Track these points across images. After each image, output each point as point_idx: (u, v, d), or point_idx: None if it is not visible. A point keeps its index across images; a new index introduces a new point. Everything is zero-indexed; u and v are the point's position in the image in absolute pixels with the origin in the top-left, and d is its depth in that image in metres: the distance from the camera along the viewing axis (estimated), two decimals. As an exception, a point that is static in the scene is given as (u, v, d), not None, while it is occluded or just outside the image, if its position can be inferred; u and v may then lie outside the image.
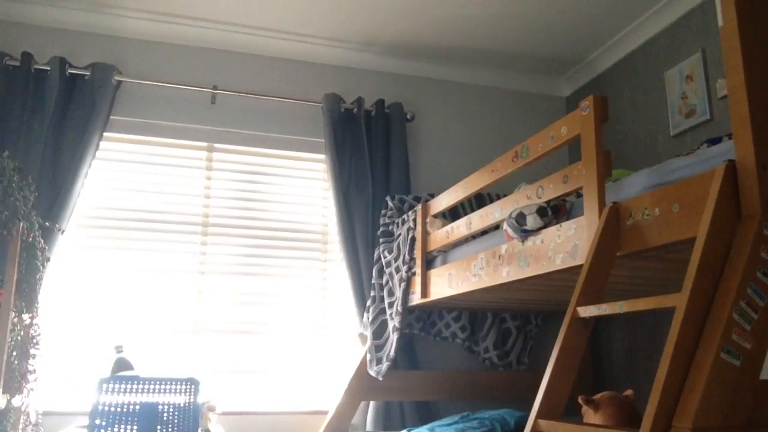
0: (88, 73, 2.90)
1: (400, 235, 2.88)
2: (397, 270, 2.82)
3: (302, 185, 3.27)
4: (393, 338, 2.75)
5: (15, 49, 2.84)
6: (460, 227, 2.37)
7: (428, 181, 3.36)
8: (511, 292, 2.38)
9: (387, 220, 3.04)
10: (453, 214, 2.96)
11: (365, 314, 2.97)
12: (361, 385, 2.87)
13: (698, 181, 1.39)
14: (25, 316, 2.27)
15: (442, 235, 2.50)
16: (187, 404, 2.21)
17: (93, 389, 2.13)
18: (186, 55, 3.15)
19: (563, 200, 1.96)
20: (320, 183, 3.28)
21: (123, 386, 2.16)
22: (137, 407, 2.15)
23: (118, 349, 2.51)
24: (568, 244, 1.76)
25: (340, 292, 3.15)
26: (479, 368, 3.22)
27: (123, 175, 3.03)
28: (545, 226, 1.88)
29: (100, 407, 2.10)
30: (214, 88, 3.11)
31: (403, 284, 2.74)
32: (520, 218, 1.92)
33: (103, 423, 2.09)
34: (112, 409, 2.12)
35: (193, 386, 2.22)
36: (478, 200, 3.18)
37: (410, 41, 3.30)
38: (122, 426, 2.11)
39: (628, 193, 1.66)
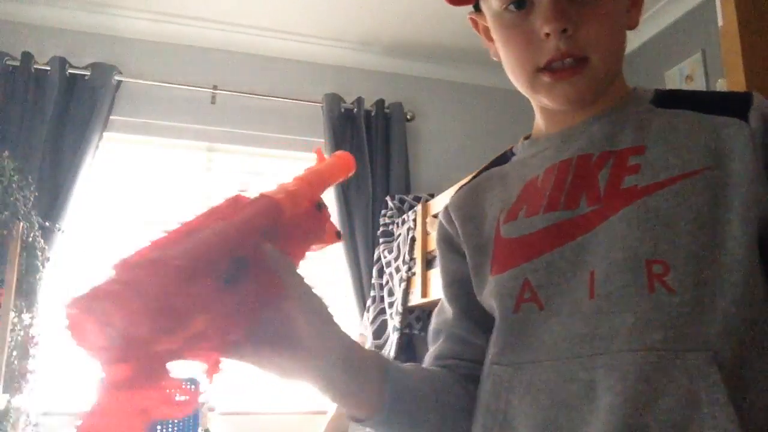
0: (88, 73, 2.90)
1: (400, 235, 2.88)
2: (397, 270, 2.82)
3: (302, 185, 3.27)
4: (393, 338, 2.75)
5: (15, 49, 2.84)
6: (460, 227, 2.37)
7: (428, 181, 3.36)
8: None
9: (387, 220, 3.04)
10: (453, 214, 2.96)
11: (365, 314, 2.97)
12: (361, 385, 2.87)
13: (698, 181, 1.39)
14: (25, 316, 2.28)
15: (443, 235, 2.50)
16: (187, 404, 2.21)
17: (93, 389, 2.13)
18: (186, 55, 3.15)
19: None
20: (320, 183, 3.28)
21: (123, 386, 2.16)
22: (137, 407, 2.15)
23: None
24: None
25: (340, 292, 3.15)
26: (479, 368, 3.22)
27: (123, 175, 3.03)
28: (545, 226, 1.88)
29: (100, 407, 2.10)
30: (214, 88, 3.11)
31: (403, 284, 2.74)
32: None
33: (103, 423, 2.10)
34: (112, 409, 2.13)
35: (193, 386, 2.22)
36: (479, 200, 3.18)
37: (410, 41, 3.30)
38: (122, 426, 2.12)
39: (628, 193, 1.66)
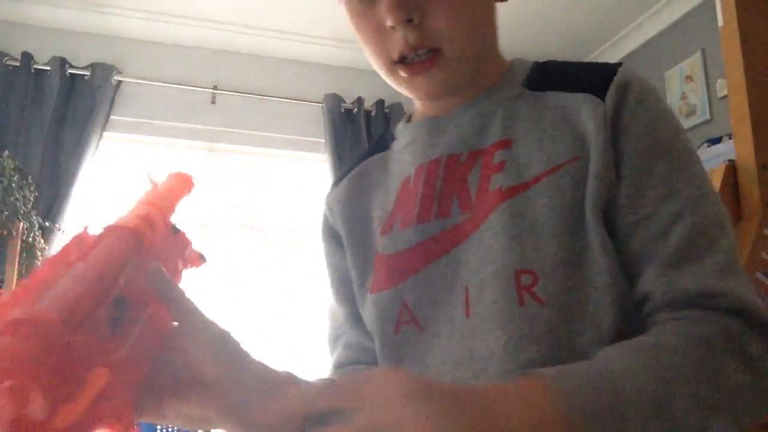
0: (88, 73, 2.90)
1: (400, 235, 2.88)
2: (397, 270, 2.82)
3: (302, 185, 3.27)
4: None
5: (15, 49, 2.84)
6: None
7: (428, 181, 3.36)
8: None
9: (387, 220, 3.04)
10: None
11: (365, 314, 2.97)
12: (361, 385, 2.86)
13: (698, 181, 1.39)
14: (25, 316, 2.27)
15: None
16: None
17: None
18: (186, 55, 3.14)
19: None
20: (320, 183, 3.28)
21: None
22: (137, 407, 2.15)
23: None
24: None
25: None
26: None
27: (123, 175, 3.03)
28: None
29: (100, 407, 2.10)
30: (214, 88, 3.11)
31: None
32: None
33: (103, 423, 2.09)
34: (112, 409, 2.12)
35: None
36: (479, 200, 3.18)
37: (410, 41, 3.30)
38: (122, 426, 2.11)
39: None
